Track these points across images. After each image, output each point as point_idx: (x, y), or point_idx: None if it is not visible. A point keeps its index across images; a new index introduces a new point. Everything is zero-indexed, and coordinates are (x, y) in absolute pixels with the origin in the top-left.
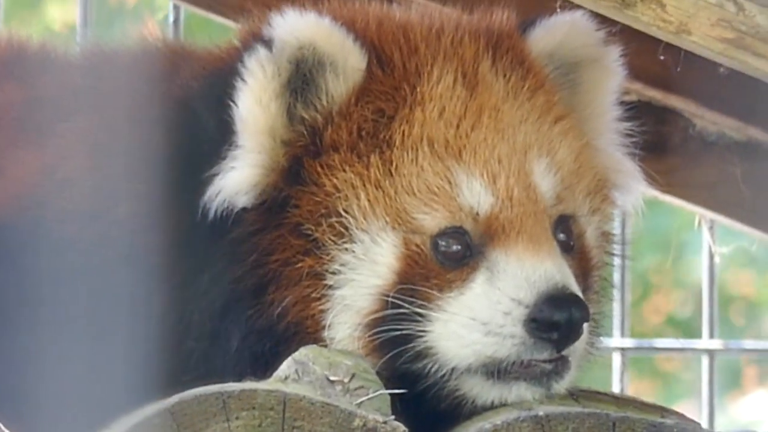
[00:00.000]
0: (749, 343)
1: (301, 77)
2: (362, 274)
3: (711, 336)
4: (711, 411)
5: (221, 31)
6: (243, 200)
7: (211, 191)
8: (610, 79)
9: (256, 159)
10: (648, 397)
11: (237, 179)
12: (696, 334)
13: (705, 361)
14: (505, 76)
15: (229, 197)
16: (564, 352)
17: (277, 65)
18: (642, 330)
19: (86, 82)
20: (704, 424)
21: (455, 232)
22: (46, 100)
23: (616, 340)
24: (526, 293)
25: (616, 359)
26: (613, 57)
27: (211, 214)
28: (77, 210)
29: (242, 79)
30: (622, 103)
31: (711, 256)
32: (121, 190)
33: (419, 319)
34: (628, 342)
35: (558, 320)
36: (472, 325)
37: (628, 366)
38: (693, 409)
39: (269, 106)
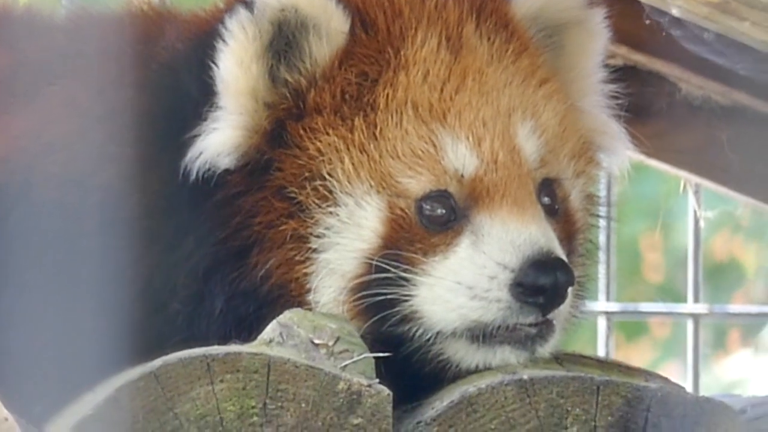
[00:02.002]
0: (734, 308)
1: (284, 39)
2: (347, 237)
3: (696, 300)
4: (696, 374)
5: None
6: (225, 162)
7: (192, 152)
8: (595, 41)
9: (238, 120)
10: (635, 359)
11: (218, 140)
12: (682, 299)
13: (690, 325)
14: (489, 39)
15: (211, 158)
16: (549, 316)
17: (258, 27)
18: (630, 295)
19: (72, 46)
20: (689, 387)
21: (440, 196)
22: (32, 64)
23: (601, 304)
24: (511, 257)
25: (602, 323)
26: (598, 19)
27: (193, 176)
28: (63, 173)
29: (223, 41)
30: (606, 66)
31: (696, 221)
32: (106, 154)
33: (404, 283)
34: (614, 306)
35: (544, 284)
36: (457, 289)
37: (613, 330)
38: (679, 371)
39: (250, 68)
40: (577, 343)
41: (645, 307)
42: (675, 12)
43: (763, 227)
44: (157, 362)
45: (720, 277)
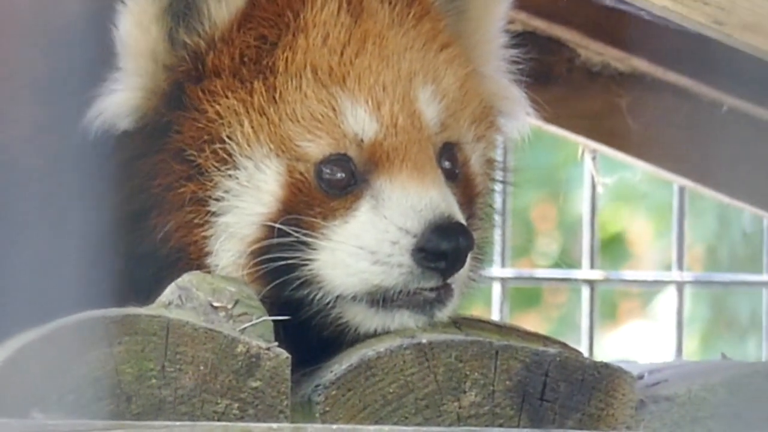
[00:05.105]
0: (629, 274)
1: (183, 1)
2: (246, 201)
3: (592, 266)
4: (591, 341)
5: None
6: (124, 123)
7: (91, 113)
8: (497, 6)
9: (137, 82)
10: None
11: (117, 101)
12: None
13: (585, 291)
14: (390, 3)
15: (110, 119)
16: (448, 281)
17: None
18: (523, 266)
19: None
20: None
21: (339, 160)
22: None
23: (496, 269)
24: (413, 222)
25: (497, 290)
26: None
27: (91, 136)
28: None
29: (122, 2)
30: (506, 32)
31: (593, 187)
32: (7, 115)
33: (304, 247)
34: (509, 272)
35: (446, 250)
36: (359, 254)
37: (508, 296)
38: (572, 341)
39: (150, 29)
40: (473, 311)
41: (540, 273)
42: None
43: (658, 195)
44: (54, 324)
45: (612, 247)
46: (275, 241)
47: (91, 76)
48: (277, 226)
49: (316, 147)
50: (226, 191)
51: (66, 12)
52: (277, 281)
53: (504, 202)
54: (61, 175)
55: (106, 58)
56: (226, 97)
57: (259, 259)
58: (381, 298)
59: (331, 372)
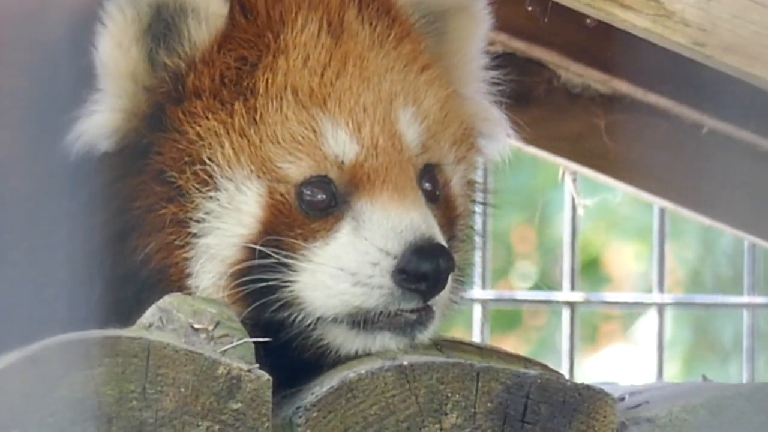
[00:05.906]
0: (610, 296)
1: (163, 23)
2: (227, 222)
3: (572, 288)
4: (571, 363)
5: None
6: (104, 145)
7: (72, 134)
8: (478, 27)
9: (117, 103)
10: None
11: (98, 123)
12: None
13: (566, 313)
14: (371, 24)
15: (91, 141)
16: (429, 302)
17: (137, 9)
18: (503, 287)
19: None
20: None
21: (320, 181)
22: None
23: (477, 291)
24: (393, 244)
25: (477, 311)
26: (480, 5)
27: (72, 158)
28: None
29: (102, 23)
30: (486, 53)
31: (574, 208)
32: None
33: (285, 269)
34: (489, 294)
35: (426, 271)
36: (339, 276)
37: (488, 318)
38: (552, 364)
39: (130, 50)
40: (453, 333)
41: (521, 295)
42: None
43: (639, 217)
44: (36, 346)
45: (592, 269)
46: (256, 262)
47: (74, 98)
48: (258, 247)
49: (296, 169)
50: (206, 213)
51: (50, 34)
52: (258, 303)
53: (484, 223)
54: (43, 196)
55: (86, 80)
56: (207, 118)
57: (239, 280)
58: (362, 320)
59: (312, 394)
